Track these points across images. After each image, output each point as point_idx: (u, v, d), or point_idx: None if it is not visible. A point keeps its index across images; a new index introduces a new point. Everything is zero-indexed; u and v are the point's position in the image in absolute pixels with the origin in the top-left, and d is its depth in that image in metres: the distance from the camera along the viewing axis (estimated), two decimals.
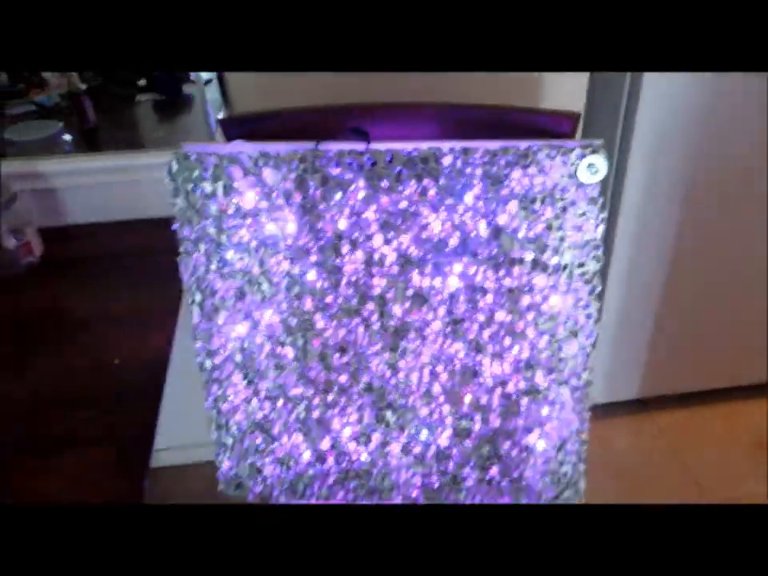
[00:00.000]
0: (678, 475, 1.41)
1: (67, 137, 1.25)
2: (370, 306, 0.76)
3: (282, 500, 0.90)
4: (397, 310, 0.76)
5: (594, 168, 0.65)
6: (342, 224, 0.73)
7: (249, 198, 0.73)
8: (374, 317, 0.77)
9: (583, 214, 0.68)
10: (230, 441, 0.87)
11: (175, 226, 0.76)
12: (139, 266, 1.06)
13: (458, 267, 0.73)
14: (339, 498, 0.89)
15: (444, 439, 0.82)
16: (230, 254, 0.76)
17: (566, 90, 1.14)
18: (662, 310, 1.40)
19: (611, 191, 1.28)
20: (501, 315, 0.74)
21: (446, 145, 0.69)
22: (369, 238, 0.73)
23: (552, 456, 0.80)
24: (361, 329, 0.78)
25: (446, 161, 0.69)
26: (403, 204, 0.71)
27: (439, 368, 0.78)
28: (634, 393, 1.52)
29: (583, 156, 0.65)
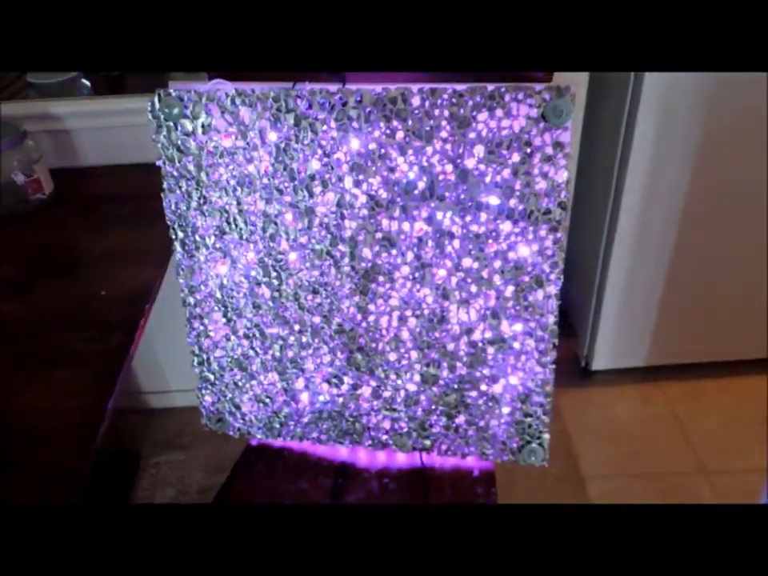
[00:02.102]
0: (678, 445, 1.38)
1: (85, 81, 1.28)
2: (342, 247, 0.77)
3: (260, 437, 0.93)
4: (367, 252, 0.76)
5: (560, 110, 0.63)
6: (315, 165, 0.74)
7: (226, 136, 0.74)
8: (345, 259, 0.77)
9: (549, 158, 0.66)
10: (211, 377, 0.90)
11: (159, 163, 0.78)
12: (144, 208, 1.09)
13: (425, 211, 0.72)
14: (313, 438, 0.91)
15: (412, 385, 0.83)
16: (209, 192, 0.78)
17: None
18: (672, 277, 1.35)
19: (620, 154, 1.24)
20: (467, 262, 0.73)
21: (414, 86, 0.68)
22: (340, 179, 0.73)
23: (517, 407, 0.80)
24: (333, 270, 0.78)
25: (415, 101, 0.68)
26: (372, 146, 0.71)
27: (408, 313, 0.78)
28: (641, 360, 1.48)
29: (550, 98, 0.63)
